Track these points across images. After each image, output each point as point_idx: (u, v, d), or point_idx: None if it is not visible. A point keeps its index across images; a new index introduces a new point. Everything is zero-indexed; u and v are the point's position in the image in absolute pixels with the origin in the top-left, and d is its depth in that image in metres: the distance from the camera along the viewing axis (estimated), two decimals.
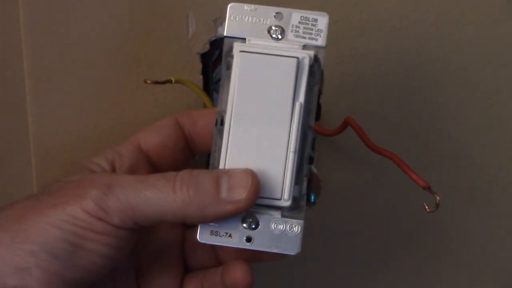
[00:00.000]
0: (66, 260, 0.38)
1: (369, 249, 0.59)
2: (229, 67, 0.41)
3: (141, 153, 0.44)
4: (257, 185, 0.39)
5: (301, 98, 0.40)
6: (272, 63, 0.40)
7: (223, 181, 0.39)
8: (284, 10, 0.41)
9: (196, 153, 0.47)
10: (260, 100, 0.40)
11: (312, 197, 0.43)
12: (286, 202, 0.40)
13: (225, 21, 0.41)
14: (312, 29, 0.41)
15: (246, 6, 0.41)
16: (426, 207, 0.47)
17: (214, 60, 0.57)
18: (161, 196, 0.38)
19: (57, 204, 0.38)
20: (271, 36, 0.41)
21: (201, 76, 0.53)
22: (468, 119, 0.57)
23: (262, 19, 0.41)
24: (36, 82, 0.50)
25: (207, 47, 0.52)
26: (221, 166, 0.40)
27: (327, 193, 0.54)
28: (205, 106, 0.53)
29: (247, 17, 0.41)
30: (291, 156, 0.40)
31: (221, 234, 0.40)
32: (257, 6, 0.41)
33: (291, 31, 0.41)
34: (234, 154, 0.40)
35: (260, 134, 0.40)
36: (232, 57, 0.40)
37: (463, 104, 0.57)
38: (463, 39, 0.55)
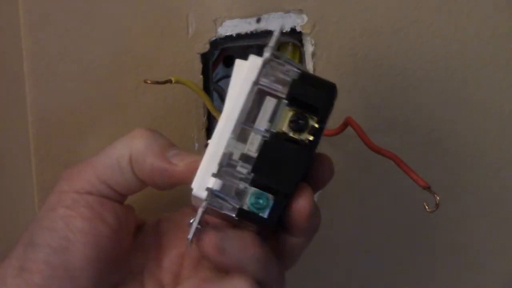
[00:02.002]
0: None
1: (369, 249, 0.59)
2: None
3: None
4: (194, 163, 0.41)
5: (233, 93, 0.40)
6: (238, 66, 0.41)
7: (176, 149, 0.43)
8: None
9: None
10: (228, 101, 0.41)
11: (265, 212, 0.39)
12: (195, 191, 0.39)
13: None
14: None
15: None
16: (426, 207, 0.47)
17: (214, 60, 0.57)
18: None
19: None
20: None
21: (201, 76, 0.53)
22: (468, 118, 0.57)
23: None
24: (36, 82, 0.50)
25: (207, 47, 0.52)
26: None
27: (327, 193, 0.54)
28: (205, 106, 0.53)
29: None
30: (209, 144, 0.40)
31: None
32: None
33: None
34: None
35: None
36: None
37: (463, 104, 0.57)
38: (463, 39, 0.55)
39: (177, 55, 0.52)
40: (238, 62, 0.41)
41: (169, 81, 0.48)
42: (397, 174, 0.48)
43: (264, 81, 0.40)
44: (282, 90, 0.40)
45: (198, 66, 0.52)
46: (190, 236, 0.39)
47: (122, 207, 0.43)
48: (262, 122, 0.40)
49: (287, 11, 0.53)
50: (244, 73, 0.40)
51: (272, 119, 0.40)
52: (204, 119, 0.53)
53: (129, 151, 0.42)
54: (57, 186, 0.43)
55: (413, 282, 0.61)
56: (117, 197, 0.43)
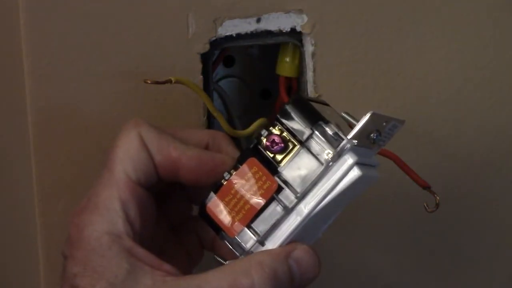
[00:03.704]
0: None
1: (369, 248, 0.59)
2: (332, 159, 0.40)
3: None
4: (319, 260, 0.42)
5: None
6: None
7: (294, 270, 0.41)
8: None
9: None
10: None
11: None
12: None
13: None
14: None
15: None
16: (426, 207, 0.47)
17: (214, 60, 0.57)
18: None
19: None
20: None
21: (201, 76, 0.53)
22: (468, 118, 0.57)
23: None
24: (36, 82, 0.50)
25: (207, 47, 0.52)
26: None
27: None
28: (205, 106, 0.53)
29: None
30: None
31: None
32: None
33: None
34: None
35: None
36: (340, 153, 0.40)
37: (463, 103, 0.57)
38: (463, 39, 0.55)
39: (177, 55, 0.52)
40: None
41: (169, 81, 0.48)
42: (397, 174, 0.48)
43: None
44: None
45: (198, 66, 0.52)
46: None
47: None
48: None
49: (287, 11, 0.53)
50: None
51: None
52: (204, 119, 0.53)
53: (138, 131, 0.43)
54: (109, 171, 0.42)
55: (413, 282, 0.61)
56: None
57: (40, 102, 0.50)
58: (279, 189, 0.40)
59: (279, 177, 0.40)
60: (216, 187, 0.42)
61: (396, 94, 0.55)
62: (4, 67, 0.51)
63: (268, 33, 0.53)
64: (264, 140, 0.41)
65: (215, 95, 0.58)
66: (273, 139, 0.41)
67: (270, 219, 0.40)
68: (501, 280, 0.62)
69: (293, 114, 0.41)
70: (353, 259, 0.59)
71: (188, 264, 0.46)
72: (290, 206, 0.40)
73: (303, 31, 0.54)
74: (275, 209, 0.40)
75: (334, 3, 0.53)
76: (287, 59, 0.56)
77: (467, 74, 0.56)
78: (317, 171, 0.40)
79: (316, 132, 0.40)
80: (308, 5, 0.53)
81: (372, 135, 0.40)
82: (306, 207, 0.40)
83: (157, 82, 0.48)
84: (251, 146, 0.41)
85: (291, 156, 0.40)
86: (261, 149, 0.41)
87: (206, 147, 0.45)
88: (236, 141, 0.51)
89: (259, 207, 0.40)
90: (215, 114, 0.52)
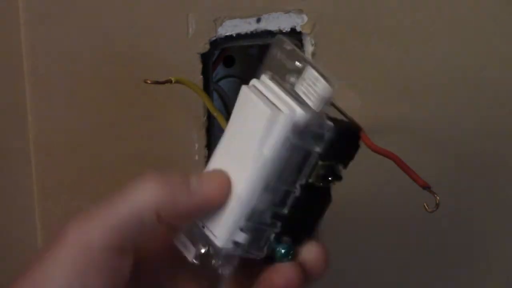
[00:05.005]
0: None
1: (369, 248, 0.59)
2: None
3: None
4: (227, 183, 0.38)
5: (267, 149, 0.38)
6: (256, 106, 0.39)
7: (193, 176, 0.39)
8: (305, 62, 0.38)
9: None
10: (241, 136, 0.39)
11: (282, 251, 0.40)
12: (217, 240, 0.38)
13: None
14: (311, 90, 0.38)
15: (286, 44, 0.39)
16: (426, 207, 0.47)
17: (214, 60, 0.57)
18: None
19: None
20: (285, 80, 0.39)
21: (201, 76, 0.53)
22: (468, 118, 0.57)
23: (288, 62, 0.39)
24: (36, 82, 0.50)
25: (207, 47, 0.52)
26: None
27: None
28: (205, 106, 0.53)
29: (279, 54, 0.39)
30: (236, 200, 0.38)
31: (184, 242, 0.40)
32: (293, 48, 0.39)
33: (301, 84, 0.38)
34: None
35: (233, 167, 0.39)
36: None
37: (463, 103, 0.57)
38: (463, 38, 0.55)
39: (177, 55, 0.52)
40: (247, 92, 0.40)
41: (169, 81, 0.48)
42: (397, 174, 0.48)
43: (298, 141, 0.38)
44: (315, 145, 0.39)
45: (198, 66, 0.52)
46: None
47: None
48: (290, 177, 0.39)
49: (287, 11, 0.53)
50: (278, 128, 0.38)
51: (304, 174, 0.39)
52: (204, 119, 0.53)
53: (154, 205, 0.38)
54: (68, 237, 0.38)
55: (412, 281, 0.61)
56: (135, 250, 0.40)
57: (40, 102, 0.50)
58: None
59: None
60: None
61: (396, 94, 0.56)
62: (4, 67, 0.51)
63: (268, 33, 0.53)
64: None
65: (215, 95, 0.58)
66: None
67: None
68: (501, 280, 0.62)
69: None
70: (353, 259, 0.59)
71: None
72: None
73: (303, 31, 0.54)
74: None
75: (334, 3, 0.53)
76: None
77: (467, 74, 0.56)
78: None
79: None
80: (308, 5, 0.53)
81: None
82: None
83: (157, 82, 0.48)
84: None
85: None
86: None
87: None
88: None
89: None
90: (215, 114, 0.52)
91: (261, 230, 0.39)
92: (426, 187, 0.47)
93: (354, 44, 0.54)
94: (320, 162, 0.39)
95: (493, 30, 0.56)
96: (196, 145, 0.54)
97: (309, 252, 0.40)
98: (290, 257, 0.40)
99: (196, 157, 0.54)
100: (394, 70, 0.55)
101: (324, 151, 0.39)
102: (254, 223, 0.39)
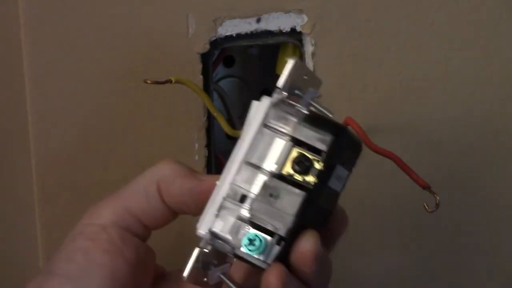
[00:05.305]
0: None
1: (368, 248, 0.59)
2: None
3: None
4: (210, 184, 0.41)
5: (247, 136, 0.39)
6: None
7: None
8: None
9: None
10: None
11: (245, 239, 0.38)
12: (198, 230, 0.39)
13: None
14: None
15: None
16: (426, 207, 0.47)
17: (214, 60, 0.57)
18: None
19: None
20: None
21: (201, 76, 0.53)
22: (468, 118, 0.57)
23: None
24: (36, 82, 0.50)
25: (207, 47, 0.52)
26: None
27: None
28: (205, 106, 0.53)
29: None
30: (217, 184, 0.39)
31: None
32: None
33: None
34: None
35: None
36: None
37: (463, 103, 0.57)
38: (463, 39, 0.55)
39: (177, 55, 0.52)
40: (254, 103, 0.40)
41: (169, 81, 0.48)
42: (397, 174, 0.48)
43: (272, 122, 0.39)
44: (290, 131, 0.39)
45: (198, 66, 0.52)
46: (185, 274, 0.39)
47: (144, 246, 0.43)
48: (267, 163, 0.39)
49: (287, 11, 0.53)
50: (253, 113, 0.39)
51: (278, 160, 0.39)
52: (204, 119, 0.53)
53: (156, 177, 0.42)
54: (82, 219, 0.42)
55: (412, 281, 0.61)
56: (142, 230, 0.42)
57: (40, 102, 0.50)
58: None
59: None
60: None
61: (396, 94, 0.56)
62: (4, 67, 0.51)
63: (268, 33, 0.53)
64: None
65: (215, 95, 0.58)
66: None
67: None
68: (501, 280, 0.62)
69: None
70: (353, 259, 0.59)
71: None
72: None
73: (303, 31, 0.54)
74: None
75: (334, 3, 0.53)
76: (287, 59, 0.55)
77: (467, 74, 0.56)
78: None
79: None
80: (308, 5, 0.53)
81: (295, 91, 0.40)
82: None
83: (157, 82, 0.48)
84: None
85: None
86: None
87: None
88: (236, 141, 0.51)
89: None
90: (215, 114, 0.52)
91: (233, 216, 0.38)
92: (426, 187, 0.47)
93: (354, 44, 0.54)
94: (292, 149, 0.39)
95: (493, 30, 0.56)
96: (196, 145, 0.54)
97: (296, 248, 0.39)
98: (257, 250, 0.38)
99: (196, 157, 0.54)
100: (394, 70, 0.55)
101: (296, 140, 0.39)
102: (230, 211, 0.38)
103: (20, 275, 0.55)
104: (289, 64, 0.40)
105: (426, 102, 0.56)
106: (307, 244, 0.38)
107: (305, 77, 0.41)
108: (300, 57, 0.55)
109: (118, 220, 0.42)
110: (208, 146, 0.54)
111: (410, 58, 0.55)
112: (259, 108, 0.39)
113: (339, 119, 0.50)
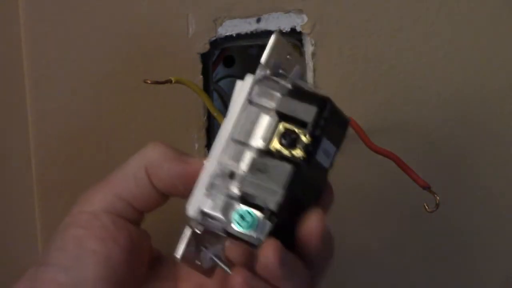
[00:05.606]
0: None
1: (368, 248, 0.59)
2: None
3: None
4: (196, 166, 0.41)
5: (233, 113, 0.39)
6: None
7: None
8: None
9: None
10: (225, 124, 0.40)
11: (236, 214, 0.38)
12: (188, 211, 0.39)
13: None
14: None
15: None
16: (426, 207, 0.48)
17: (214, 60, 0.57)
18: None
19: None
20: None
21: (201, 76, 0.53)
22: (468, 118, 0.57)
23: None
24: (36, 82, 0.50)
25: (207, 47, 0.52)
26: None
27: None
28: (205, 106, 0.53)
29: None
30: (205, 164, 0.39)
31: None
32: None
33: None
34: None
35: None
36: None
37: (463, 103, 0.57)
38: (463, 39, 0.55)
39: (177, 55, 0.52)
40: (239, 83, 0.40)
41: (169, 81, 0.48)
42: (397, 174, 0.48)
43: (256, 99, 0.39)
44: (274, 106, 0.39)
45: (198, 66, 0.52)
46: (178, 255, 0.39)
47: (137, 230, 0.43)
48: (253, 139, 0.39)
49: (287, 11, 0.53)
50: (238, 91, 0.40)
51: (264, 136, 0.39)
52: (204, 119, 0.53)
53: (145, 162, 0.42)
54: (73, 208, 0.42)
55: (412, 281, 0.61)
56: (134, 215, 0.42)
57: (40, 102, 0.50)
58: None
59: None
60: None
61: (396, 94, 0.56)
62: (4, 67, 0.51)
63: (268, 33, 0.53)
64: None
65: (215, 95, 0.58)
66: None
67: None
68: (501, 280, 0.62)
69: None
70: (352, 259, 0.59)
71: None
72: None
73: (303, 31, 0.54)
74: None
75: (334, 3, 0.53)
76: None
77: (467, 74, 0.56)
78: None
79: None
80: (308, 5, 0.53)
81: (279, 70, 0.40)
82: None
83: (157, 82, 0.48)
84: None
85: None
86: None
87: None
88: None
89: None
90: (215, 114, 0.52)
91: (223, 194, 0.38)
92: (426, 187, 0.47)
93: (354, 44, 0.54)
94: (278, 123, 0.39)
95: (493, 30, 0.56)
96: (196, 145, 0.54)
97: (304, 226, 0.38)
98: (249, 226, 0.37)
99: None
100: (394, 70, 0.55)
101: (280, 114, 0.39)
102: (219, 190, 0.38)
103: (20, 275, 0.55)
104: (272, 38, 0.40)
105: (426, 102, 0.56)
106: (314, 222, 0.38)
107: (289, 57, 0.41)
108: (301, 55, 0.55)
109: (109, 206, 0.42)
110: (208, 146, 0.54)
111: (410, 58, 0.55)
112: (243, 86, 0.39)
113: None
